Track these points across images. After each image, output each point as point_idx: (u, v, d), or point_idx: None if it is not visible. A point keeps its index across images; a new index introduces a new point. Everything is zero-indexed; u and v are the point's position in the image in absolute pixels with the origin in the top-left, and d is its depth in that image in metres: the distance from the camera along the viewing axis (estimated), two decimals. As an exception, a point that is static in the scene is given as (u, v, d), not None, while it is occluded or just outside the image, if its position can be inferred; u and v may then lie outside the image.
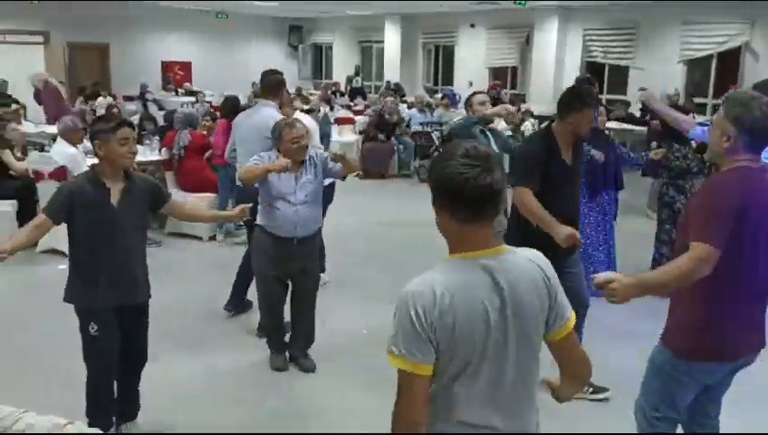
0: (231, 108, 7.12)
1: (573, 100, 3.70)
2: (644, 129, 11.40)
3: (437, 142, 10.98)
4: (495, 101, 11.60)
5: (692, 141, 5.51)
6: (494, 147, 4.88)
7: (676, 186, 5.72)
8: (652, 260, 5.87)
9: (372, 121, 11.75)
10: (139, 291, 3.34)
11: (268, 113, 4.73)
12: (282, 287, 4.22)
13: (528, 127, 10.90)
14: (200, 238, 7.09)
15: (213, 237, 7.17)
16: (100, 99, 13.62)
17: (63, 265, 5.76)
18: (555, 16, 15.63)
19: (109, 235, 3.14)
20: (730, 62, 13.52)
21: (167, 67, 19.92)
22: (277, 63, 22.24)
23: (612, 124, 10.92)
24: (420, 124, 11.52)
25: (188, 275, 6.11)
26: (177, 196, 4.76)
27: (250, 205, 3.69)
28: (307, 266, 4.18)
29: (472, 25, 17.85)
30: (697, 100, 13.25)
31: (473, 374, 1.71)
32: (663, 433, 2.68)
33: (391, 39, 19.56)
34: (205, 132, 7.55)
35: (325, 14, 20.52)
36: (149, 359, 3.51)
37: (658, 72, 13.68)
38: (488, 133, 4.91)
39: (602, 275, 2.39)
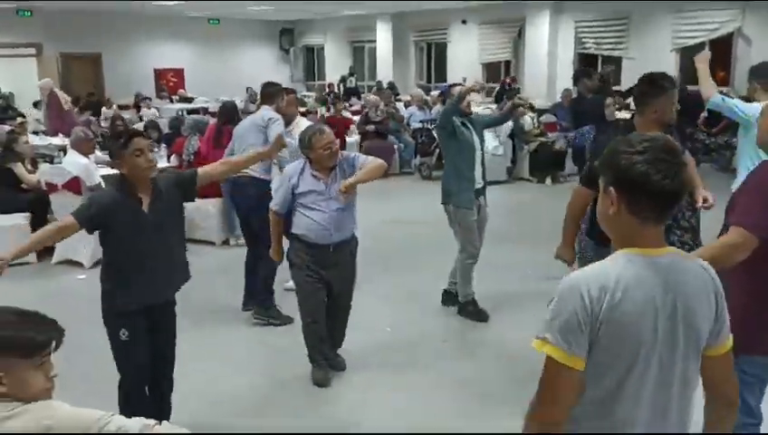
0: (228, 113, 7.10)
1: (650, 86, 3.40)
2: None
3: (438, 139, 11.03)
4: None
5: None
6: (476, 137, 4.99)
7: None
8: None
9: (361, 120, 11.87)
10: (169, 289, 3.41)
11: (266, 112, 5.27)
12: (323, 295, 4.13)
13: (528, 121, 10.95)
14: (213, 243, 7.13)
15: (226, 241, 7.21)
16: (104, 109, 13.60)
17: (82, 275, 5.78)
18: (547, 10, 15.73)
19: (145, 242, 3.19)
20: (722, 48, 13.62)
21: (160, 75, 19.92)
22: (269, 67, 22.37)
23: (626, 114, 10.97)
24: (420, 122, 11.58)
25: (208, 279, 6.14)
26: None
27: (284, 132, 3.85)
28: (344, 272, 4.16)
29: (463, 22, 17.94)
30: (691, 87, 13.36)
31: (638, 379, 1.62)
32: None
33: (383, 38, 19.63)
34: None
35: (317, 15, 20.56)
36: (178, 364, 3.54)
37: (652, 62, 13.71)
38: (468, 124, 5.01)
39: None
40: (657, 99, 3.34)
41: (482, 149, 5.11)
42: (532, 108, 11.90)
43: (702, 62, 4.47)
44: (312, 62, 23.32)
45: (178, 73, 20.33)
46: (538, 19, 15.98)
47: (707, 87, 4.25)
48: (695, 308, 1.66)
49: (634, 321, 1.59)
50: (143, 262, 3.21)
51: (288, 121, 5.53)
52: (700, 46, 13.90)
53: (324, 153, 3.91)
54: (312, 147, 3.91)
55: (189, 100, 17.44)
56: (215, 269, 6.49)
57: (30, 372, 1.76)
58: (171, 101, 17.98)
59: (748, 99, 4.73)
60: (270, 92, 5.45)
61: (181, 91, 18.67)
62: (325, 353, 4.25)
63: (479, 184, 5.07)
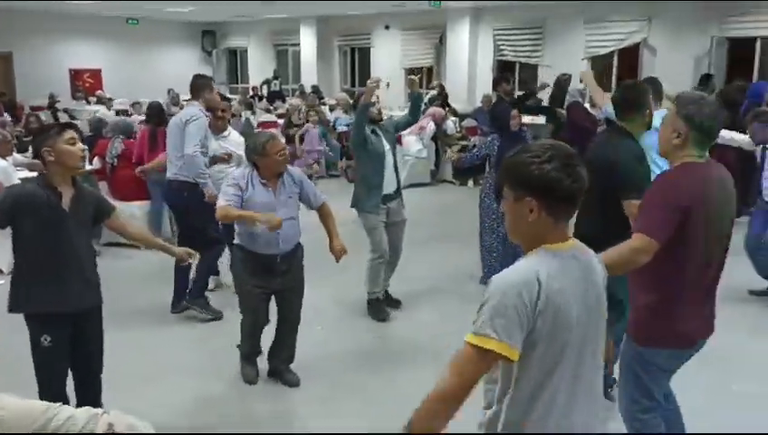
0: (158, 114, 7.09)
1: (640, 93, 3.56)
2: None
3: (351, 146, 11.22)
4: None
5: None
6: (386, 144, 5.07)
7: None
8: None
9: (285, 124, 11.93)
10: (92, 295, 3.36)
11: (188, 109, 5.23)
12: (267, 306, 4.15)
13: (450, 125, 11.29)
14: (138, 247, 7.03)
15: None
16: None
17: (2, 281, 5.66)
18: (467, 17, 16.19)
19: (60, 238, 3.15)
20: (630, 57, 14.44)
21: (75, 75, 19.26)
22: (191, 68, 21.84)
23: (526, 119, 11.43)
24: (346, 126, 11.73)
25: (136, 282, 6.10)
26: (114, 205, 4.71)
27: (192, 255, 3.69)
28: (291, 282, 4.14)
29: (386, 27, 18.21)
30: (607, 94, 14.08)
31: (570, 357, 1.81)
32: (653, 424, 2.81)
33: (307, 42, 19.66)
34: (139, 141, 7.48)
35: (239, 17, 20.37)
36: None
37: (565, 69, 14.27)
38: (378, 130, 5.11)
39: None
40: (648, 103, 3.56)
41: (394, 154, 5.17)
42: (455, 113, 12.26)
43: (587, 77, 5.04)
44: (235, 64, 23.07)
45: (95, 74, 19.72)
46: (458, 26, 16.42)
47: (599, 98, 4.71)
48: (600, 291, 1.92)
49: (564, 308, 1.77)
50: (58, 261, 3.16)
51: (221, 129, 5.50)
52: (609, 55, 14.71)
53: (279, 159, 3.91)
54: (267, 153, 3.87)
55: (108, 101, 16.97)
56: (142, 272, 6.44)
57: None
58: (88, 103, 17.45)
59: None
60: (197, 84, 5.25)
61: (100, 92, 18.12)
62: (259, 351, 4.33)
63: (389, 189, 5.11)
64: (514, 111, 5.72)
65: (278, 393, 4.18)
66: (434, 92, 12.68)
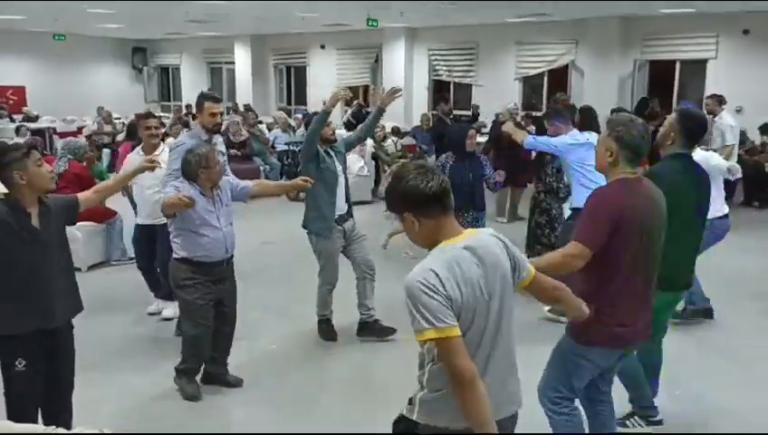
0: (135, 131, 7.16)
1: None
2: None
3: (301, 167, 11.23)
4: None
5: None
6: (338, 164, 4.99)
7: (550, 194, 6.28)
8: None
9: (223, 142, 11.81)
10: (69, 306, 3.31)
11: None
12: (210, 315, 4.20)
13: (389, 144, 11.45)
14: (79, 269, 6.84)
15: (93, 266, 6.97)
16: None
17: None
18: (402, 37, 16.49)
19: (34, 259, 3.10)
20: (559, 78, 15.02)
21: (-2, 92, 18.54)
22: (122, 86, 21.54)
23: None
24: (286, 144, 11.72)
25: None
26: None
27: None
28: (231, 286, 4.34)
29: (322, 46, 18.33)
30: (535, 113, 14.64)
31: (487, 330, 2.15)
32: (568, 413, 3.04)
33: (242, 60, 19.56)
34: (85, 163, 7.27)
35: (170, 35, 20.08)
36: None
37: (498, 89, 14.86)
38: (330, 151, 5.02)
39: None
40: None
41: (345, 175, 5.11)
42: (396, 131, 12.45)
43: (509, 127, 5.98)
44: (167, 82, 22.70)
45: (19, 91, 19.02)
46: (394, 46, 16.70)
47: (519, 136, 5.61)
48: (499, 264, 2.20)
49: (467, 291, 2.08)
50: (32, 281, 3.10)
51: (153, 148, 5.39)
52: (540, 76, 15.26)
53: (218, 170, 4.12)
54: (208, 165, 4.04)
55: (34, 119, 16.39)
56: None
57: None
58: (12, 120, 16.79)
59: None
60: (196, 102, 5.00)
61: (27, 109, 17.48)
62: (203, 363, 4.35)
63: (342, 210, 5.05)
64: (472, 131, 5.79)
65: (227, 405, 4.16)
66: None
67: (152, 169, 4.00)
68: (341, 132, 7.56)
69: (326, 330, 5.21)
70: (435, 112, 12.51)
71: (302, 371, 4.69)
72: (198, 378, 4.36)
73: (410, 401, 2.29)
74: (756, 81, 12.23)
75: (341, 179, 5.05)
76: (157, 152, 5.30)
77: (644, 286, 2.94)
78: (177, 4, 11.55)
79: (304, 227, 5.08)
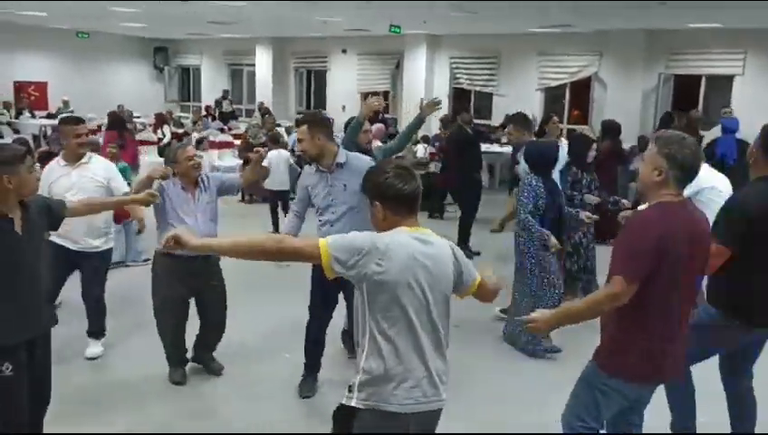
0: (117, 120, 7.01)
1: None
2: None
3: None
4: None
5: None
6: None
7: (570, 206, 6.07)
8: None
9: (242, 146, 11.78)
10: (49, 315, 3.26)
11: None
12: (186, 308, 4.46)
13: (421, 150, 11.39)
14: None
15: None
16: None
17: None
18: (423, 44, 16.40)
19: (17, 264, 3.01)
20: (581, 89, 14.86)
21: (19, 88, 18.66)
22: (142, 85, 21.64)
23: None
24: (304, 148, 11.64)
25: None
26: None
27: (155, 196, 3.88)
28: (213, 280, 4.48)
29: (343, 51, 18.28)
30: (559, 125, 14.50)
31: (415, 312, 2.32)
32: None
33: (262, 62, 19.56)
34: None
35: (192, 36, 20.14)
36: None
37: (519, 99, 14.70)
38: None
39: (527, 317, 2.80)
40: None
41: None
42: (426, 139, 12.42)
43: None
44: (188, 82, 22.77)
45: (41, 87, 19.15)
46: (415, 53, 16.61)
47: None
48: (446, 271, 2.43)
49: (403, 267, 2.29)
50: (17, 287, 3.01)
51: (77, 157, 4.61)
52: (561, 87, 15.11)
53: (189, 163, 4.25)
54: (178, 160, 4.24)
55: (54, 115, 16.49)
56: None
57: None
58: (33, 116, 16.91)
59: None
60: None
61: (63, 102, 17.56)
62: (184, 357, 4.58)
63: None
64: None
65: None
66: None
67: (165, 176, 4.19)
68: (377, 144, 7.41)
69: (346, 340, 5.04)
70: (443, 118, 12.43)
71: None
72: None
73: (350, 389, 2.38)
74: (784, 98, 12.01)
75: None
76: (84, 161, 4.62)
77: (678, 320, 2.76)
78: (199, 5, 11.55)
79: None
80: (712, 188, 4.25)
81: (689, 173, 2.68)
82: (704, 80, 13.41)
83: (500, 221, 9.31)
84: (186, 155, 4.27)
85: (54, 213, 3.28)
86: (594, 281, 6.22)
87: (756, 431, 3.57)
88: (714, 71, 13.17)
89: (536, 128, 8.37)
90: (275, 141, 10.31)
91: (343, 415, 2.40)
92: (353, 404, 2.35)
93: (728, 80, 12.98)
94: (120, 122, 11.42)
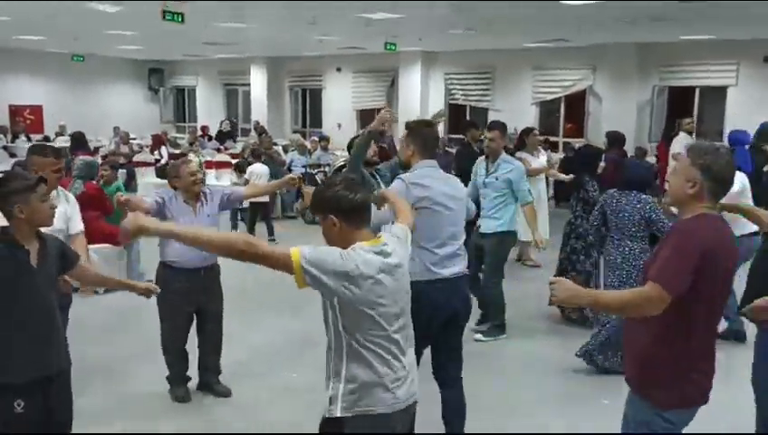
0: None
1: None
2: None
3: (321, 184, 11.15)
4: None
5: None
6: (383, 186, 4.54)
7: (587, 220, 5.88)
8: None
9: (241, 165, 11.78)
10: (63, 355, 3.11)
11: None
12: (189, 321, 4.49)
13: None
14: (97, 292, 6.75)
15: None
16: None
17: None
18: (418, 60, 16.50)
19: (32, 298, 2.92)
20: (576, 103, 14.96)
21: (15, 112, 18.66)
22: (138, 107, 21.68)
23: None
24: (303, 167, 11.67)
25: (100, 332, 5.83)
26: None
27: (154, 290, 3.63)
28: (213, 295, 4.51)
29: (338, 69, 18.37)
30: (552, 138, 14.69)
31: (384, 327, 2.38)
32: None
33: (257, 82, 19.62)
34: (102, 183, 7.24)
35: (187, 57, 20.21)
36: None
37: (515, 113, 14.74)
38: (376, 175, 4.79)
39: (555, 278, 2.54)
40: None
41: None
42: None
43: None
44: (183, 103, 22.81)
45: (36, 110, 19.16)
46: (410, 70, 16.70)
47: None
48: (403, 272, 2.51)
49: (374, 287, 2.34)
50: (32, 323, 2.90)
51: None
52: (557, 101, 15.20)
53: (191, 179, 4.33)
54: (179, 175, 4.34)
55: (50, 139, 16.46)
56: (107, 320, 6.15)
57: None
58: (29, 140, 16.88)
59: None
60: None
61: (60, 126, 17.53)
62: (185, 373, 4.58)
63: None
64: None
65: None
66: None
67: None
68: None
69: None
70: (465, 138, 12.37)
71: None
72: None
73: (331, 401, 2.40)
74: (777, 108, 12.09)
75: None
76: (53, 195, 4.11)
77: (715, 334, 2.67)
78: (195, 27, 11.60)
79: None
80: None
81: (724, 185, 2.55)
82: (698, 91, 13.52)
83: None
84: (188, 171, 4.36)
85: (66, 258, 3.17)
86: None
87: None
88: (707, 82, 13.30)
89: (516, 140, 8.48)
90: (257, 156, 10.68)
91: (331, 428, 2.42)
92: (339, 415, 2.38)
93: (722, 91, 13.10)
94: (82, 143, 11.73)
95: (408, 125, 3.77)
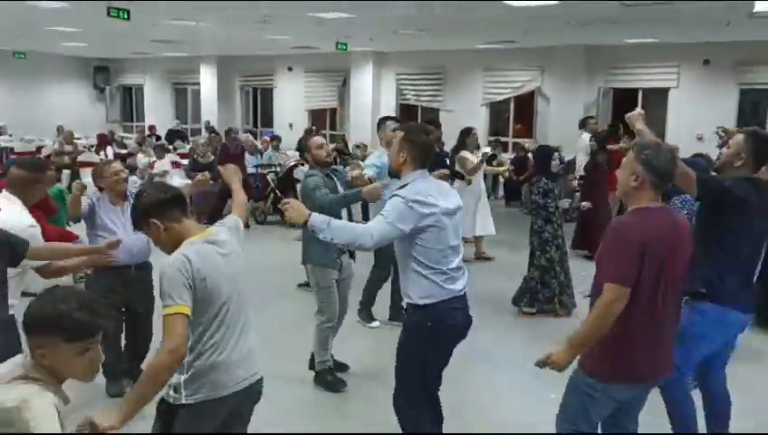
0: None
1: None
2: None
3: (272, 184, 11.09)
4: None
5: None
6: (340, 188, 4.71)
7: (540, 216, 6.22)
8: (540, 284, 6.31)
9: (189, 166, 11.60)
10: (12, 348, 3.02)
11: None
12: (120, 317, 4.50)
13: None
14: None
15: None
16: None
17: None
18: (370, 60, 16.53)
19: None
20: (525, 104, 15.22)
21: (-48, 110, 17.99)
22: (83, 106, 21.15)
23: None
24: (254, 167, 11.56)
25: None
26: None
27: (118, 239, 3.75)
28: (144, 290, 4.52)
29: (289, 69, 18.27)
30: (502, 139, 14.95)
31: (223, 314, 2.53)
32: None
33: (207, 81, 19.36)
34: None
35: (134, 55, 19.79)
36: None
37: (466, 114, 14.91)
38: (332, 176, 4.79)
39: (541, 358, 2.80)
40: None
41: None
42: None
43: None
44: (130, 101, 22.33)
45: (-25, 109, 18.49)
46: (362, 70, 16.72)
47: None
48: (239, 266, 2.67)
49: (211, 275, 2.47)
50: None
51: None
52: (506, 101, 15.44)
53: (114, 178, 4.41)
54: (103, 175, 4.43)
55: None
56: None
57: (71, 355, 1.88)
58: (-33, 139, 16.30)
59: None
60: None
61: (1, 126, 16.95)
62: (122, 368, 4.55)
63: None
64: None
65: None
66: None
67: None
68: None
69: (332, 381, 4.72)
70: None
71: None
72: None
73: (176, 389, 2.52)
74: (715, 110, 12.54)
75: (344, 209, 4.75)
76: None
77: (666, 319, 2.80)
78: (142, 24, 11.38)
79: (306, 262, 4.71)
80: None
81: (665, 178, 2.76)
82: (641, 93, 13.92)
83: None
84: (111, 171, 4.45)
85: (15, 247, 3.12)
86: (572, 295, 6.40)
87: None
88: (650, 84, 13.70)
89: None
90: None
91: (168, 414, 2.55)
92: (183, 402, 2.51)
93: (664, 92, 13.52)
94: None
95: (405, 130, 3.42)
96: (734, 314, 3.43)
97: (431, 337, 3.25)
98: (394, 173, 3.43)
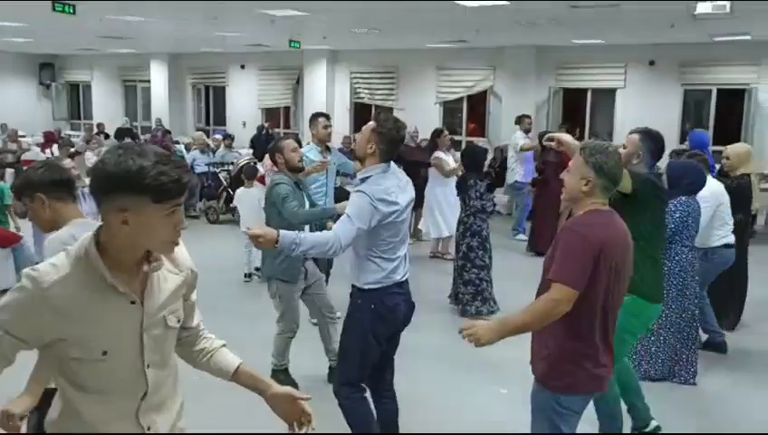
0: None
1: None
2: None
3: (225, 183, 10.96)
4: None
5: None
6: (306, 201, 4.54)
7: (478, 215, 6.30)
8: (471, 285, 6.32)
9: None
10: None
11: None
12: None
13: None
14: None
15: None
16: None
17: None
18: (324, 59, 16.47)
19: None
20: (478, 103, 15.38)
21: None
22: (29, 103, 20.54)
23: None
24: (206, 165, 11.41)
25: None
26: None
27: None
28: None
29: (242, 67, 18.06)
30: (456, 138, 15.01)
31: None
32: None
33: (158, 78, 19.00)
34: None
35: (80, 51, 19.29)
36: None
37: (419, 113, 14.98)
38: (300, 185, 4.64)
39: (466, 323, 2.66)
40: None
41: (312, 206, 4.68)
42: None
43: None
44: (77, 99, 21.74)
45: None
46: (315, 68, 16.65)
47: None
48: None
49: None
50: None
51: None
52: (459, 100, 15.57)
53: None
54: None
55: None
56: None
57: (158, 216, 1.66)
58: None
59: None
60: None
61: None
62: None
63: None
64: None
65: None
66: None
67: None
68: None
69: (284, 381, 4.42)
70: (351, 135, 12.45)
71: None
72: None
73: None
74: (661, 109, 12.89)
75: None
76: None
77: (612, 323, 2.77)
78: (91, 20, 11.10)
79: (269, 278, 4.55)
80: (720, 204, 5.18)
81: (614, 181, 2.75)
82: (589, 93, 14.21)
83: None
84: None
85: None
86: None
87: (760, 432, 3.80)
88: (598, 84, 14.00)
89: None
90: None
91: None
92: None
93: (611, 93, 13.83)
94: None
95: (377, 121, 3.38)
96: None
97: (373, 320, 3.35)
98: (359, 159, 3.51)
